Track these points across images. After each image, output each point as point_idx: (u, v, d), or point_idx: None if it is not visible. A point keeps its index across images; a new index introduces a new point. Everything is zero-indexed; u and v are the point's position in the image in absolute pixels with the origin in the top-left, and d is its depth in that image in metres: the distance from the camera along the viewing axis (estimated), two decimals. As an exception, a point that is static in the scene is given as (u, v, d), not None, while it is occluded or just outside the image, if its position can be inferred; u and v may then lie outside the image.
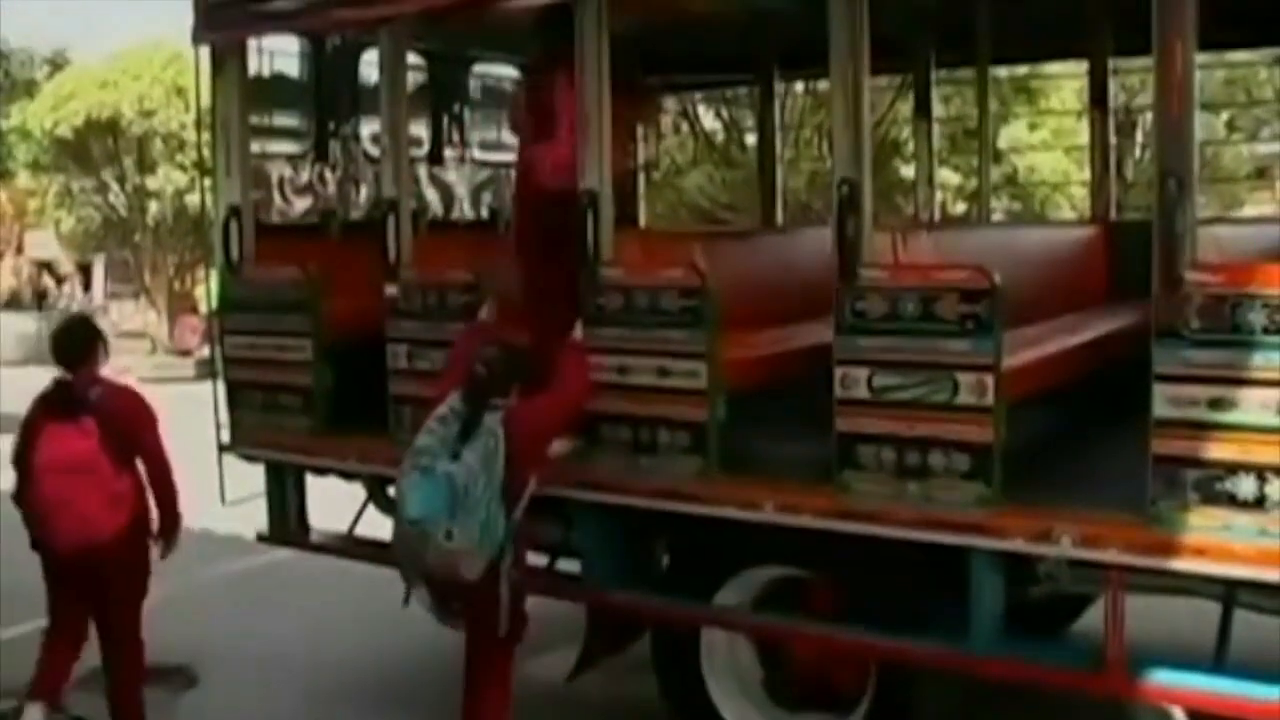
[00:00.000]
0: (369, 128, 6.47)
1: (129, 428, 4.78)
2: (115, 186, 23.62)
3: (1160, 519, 3.55)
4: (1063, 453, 4.37)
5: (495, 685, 4.48)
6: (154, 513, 4.99)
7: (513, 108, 6.00)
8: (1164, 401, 3.51)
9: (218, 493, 5.92)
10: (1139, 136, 18.42)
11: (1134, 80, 13.32)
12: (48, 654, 5.03)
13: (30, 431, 4.75)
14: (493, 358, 4.29)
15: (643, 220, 7.80)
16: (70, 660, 5.05)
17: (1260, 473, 3.41)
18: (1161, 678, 3.74)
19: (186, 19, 5.77)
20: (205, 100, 5.93)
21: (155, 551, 5.01)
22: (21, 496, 4.76)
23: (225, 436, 5.85)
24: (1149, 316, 3.58)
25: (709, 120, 18.69)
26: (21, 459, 4.74)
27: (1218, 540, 3.47)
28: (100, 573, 4.76)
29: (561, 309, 4.62)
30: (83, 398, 4.73)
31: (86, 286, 34.59)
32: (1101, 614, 3.85)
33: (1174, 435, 3.50)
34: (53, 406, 4.75)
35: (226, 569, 7.94)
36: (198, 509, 9.07)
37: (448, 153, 7.11)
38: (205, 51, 5.78)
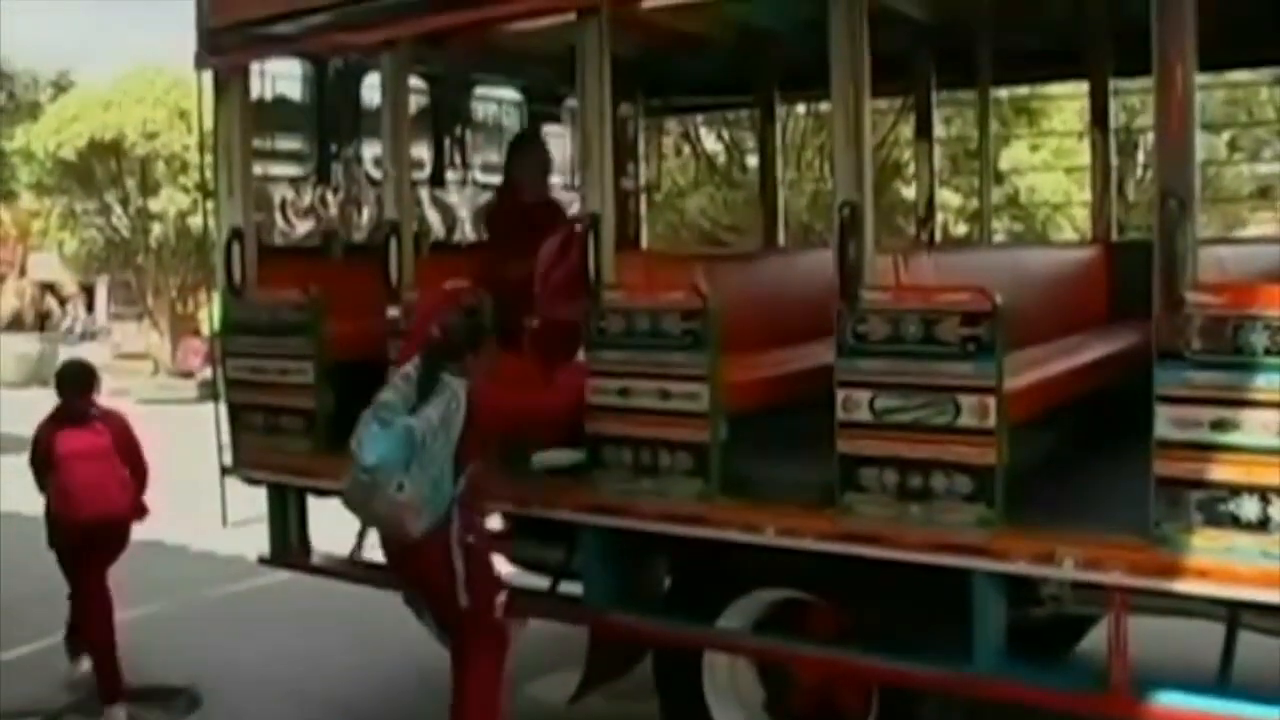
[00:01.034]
0: (371, 150, 6.48)
1: (129, 441, 6.17)
2: (118, 208, 23.68)
3: (1163, 541, 3.54)
4: (1065, 474, 4.37)
5: (477, 681, 4.47)
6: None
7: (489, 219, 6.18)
8: (1166, 423, 3.50)
9: (219, 514, 5.91)
10: (1140, 157, 18.45)
11: (1135, 100, 13.35)
12: (97, 656, 6.13)
13: (47, 437, 6.01)
14: (449, 322, 4.36)
15: (644, 242, 7.82)
16: (112, 647, 6.08)
17: (1264, 494, 3.41)
18: (1165, 699, 3.72)
19: (189, 43, 5.79)
20: (208, 123, 5.95)
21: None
22: (45, 483, 6.03)
23: (227, 458, 5.85)
24: (1151, 337, 3.58)
25: (710, 142, 18.74)
26: (44, 457, 5.99)
27: (1221, 562, 3.46)
28: (112, 538, 6.09)
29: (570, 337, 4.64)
30: (89, 413, 6.08)
31: (89, 308, 34.66)
32: (1105, 635, 3.83)
33: (1176, 457, 3.49)
34: (65, 419, 6.03)
35: (228, 590, 7.94)
36: (199, 530, 9.12)
37: (449, 175, 7.13)
38: (208, 75, 5.80)
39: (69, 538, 6.00)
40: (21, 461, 6.81)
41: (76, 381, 6.12)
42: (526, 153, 5.97)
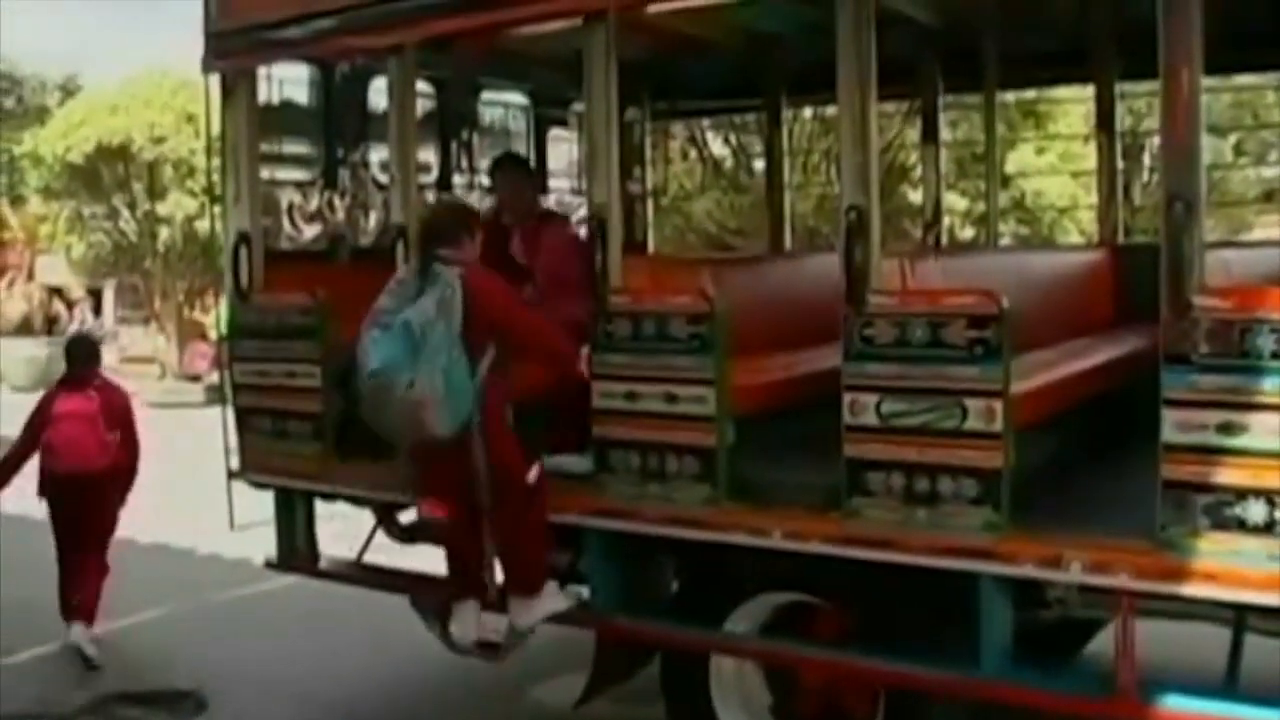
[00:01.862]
0: (378, 154, 6.49)
1: (119, 409, 7.07)
2: (126, 212, 23.73)
3: (1170, 544, 3.54)
4: (1072, 478, 4.36)
5: (527, 532, 4.53)
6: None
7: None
8: (1173, 426, 3.50)
9: (226, 518, 5.92)
10: (1146, 160, 18.41)
11: (1141, 104, 13.33)
12: (65, 580, 6.96)
13: (49, 398, 7.04)
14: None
15: (651, 246, 7.82)
16: (91, 581, 6.96)
17: (1270, 497, 3.40)
18: (1172, 703, 3.72)
19: (197, 47, 5.81)
20: (215, 127, 5.96)
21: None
22: (24, 439, 6.95)
23: (234, 462, 5.85)
24: (1157, 341, 3.58)
25: (717, 146, 18.74)
26: (41, 417, 6.93)
27: (1227, 565, 3.46)
28: (86, 492, 6.83)
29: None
30: (88, 382, 7.04)
31: (97, 312, 34.67)
32: (1112, 639, 3.83)
33: (1183, 460, 3.49)
34: (66, 384, 7.05)
35: (235, 594, 7.95)
36: (206, 534, 9.14)
37: (456, 179, 7.13)
38: (215, 79, 5.81)
39: (49, 488, 6.90)
40: (29, 465, 6.87)
41: (80, 353, 7.24)
42: (504, 172, 5.91)
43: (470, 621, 4.81)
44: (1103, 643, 4.14)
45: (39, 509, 7.08)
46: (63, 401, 6.92)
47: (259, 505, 5.92)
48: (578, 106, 7.06)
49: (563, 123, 7.53)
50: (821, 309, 4.29)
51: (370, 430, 5.17)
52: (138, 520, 9.54)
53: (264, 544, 6.00)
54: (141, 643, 7.15)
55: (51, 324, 33.14)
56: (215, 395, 7.91)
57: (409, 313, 4.21)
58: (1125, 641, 3.75)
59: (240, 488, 5.87)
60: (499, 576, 4.87)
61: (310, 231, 6.42)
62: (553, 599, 4.75)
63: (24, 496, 7.18)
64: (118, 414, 7.01)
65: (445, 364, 4.18)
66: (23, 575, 7.61)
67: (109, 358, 24.80)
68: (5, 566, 7.87)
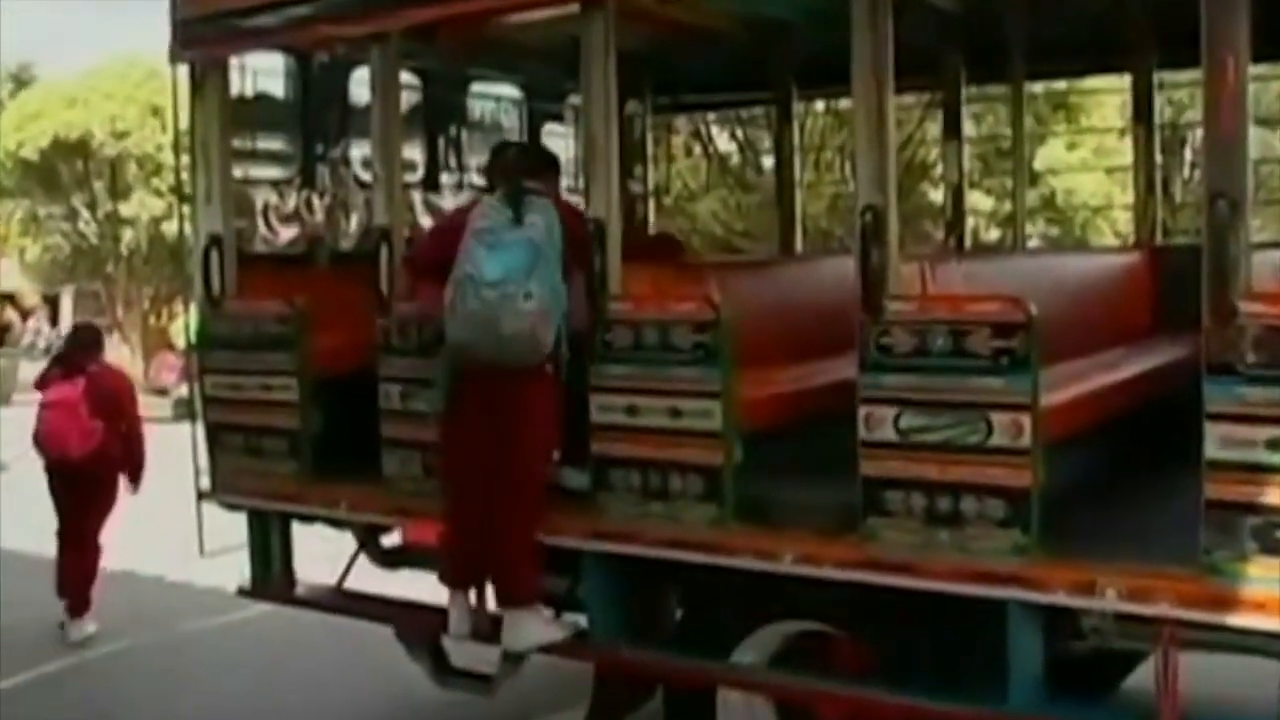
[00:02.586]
0: (360, 151, 6.51)
1: (113, 396, 7.70)
2: (85, 213, 23.80)
3: (1215, 570, 3.53)
4: (1107, 498, 4.37)
5: (533, 505, 4.61)
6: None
7: None
8: (1217, 442, 3.50)
9: (196, 542, 5.93)
10: (1187, 155, 18.46)
11: (1182, 94, 13.35)
12: (59, 558, 7.83)
13: (44, 381, 7.88)
14: (506, 153, 4.89)
15: (652, 248, 7.84)
16: (71, 564, 7.77)
17: (1323, 519, 3.41)
18: (1217, 742, 3.73)
19: (163, 34, 5.81)
20: (184, 121, 5.97)
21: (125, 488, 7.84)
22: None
23: (204, 482, 5.86)
24: (1199, 350, 3.59)
25: (723, 142, 18.79)
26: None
27: (1278, 593, 3.46)
28: (71, 479, 7.63)
29: None
30: (82, 367, 7.71)
31: (53, 321, 34.69)
32: (1152, 672, 3.83)
33: (1228, 479, 3.49)
34: (61, 366, 7.85)
35: (205, 625, 7.95)
36: (174, 560, 9.13)
37: (444, 178, 7.16)
38: (184, 69, 5.83)
39: (48, 477, 7.75)
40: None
41: (77, 339, 8.10)
42: (495, 159, 5.84)
43: (464, 612, 4.83)
44: (1143, 677, 4.14)
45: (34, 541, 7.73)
46: (51, 389, 7.74)
47: (232, 528, 5.93)
48: (574, 100, 7.09)
49: (558, 117, 7.56)
50: (835, 316, 4.30)
51: (349, 447, 5.22)
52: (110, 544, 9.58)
53: (237, 570, 6.01)
54: (104, 679, 7.16)
55: (3, 334, 33.15)
56: (184, 410, 7.92)
57: (529, 229, 4.45)
58: (1167, 676, 3.75)
59: (211, 510, 5.88)
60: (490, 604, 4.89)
61: (287, 234, 6.43)
62: (547, 627, 4.76)
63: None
64: (106, 401, 7.57)
65: (555, 283, 4.45)
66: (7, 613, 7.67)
67: (68, 370, 24.83)
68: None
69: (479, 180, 7.20)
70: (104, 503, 7.78)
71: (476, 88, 7.35)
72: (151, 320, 24.62)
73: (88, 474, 7.59)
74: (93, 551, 7.82)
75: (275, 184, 6.49)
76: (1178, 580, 3.60)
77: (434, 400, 4.86)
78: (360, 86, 6.19)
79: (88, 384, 7.59)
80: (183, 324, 6.17)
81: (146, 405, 22.14)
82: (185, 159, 6.00)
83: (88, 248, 24.23)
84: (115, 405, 7.64)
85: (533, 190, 4.64)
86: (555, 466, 4.75)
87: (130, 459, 7.72)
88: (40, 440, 7.60)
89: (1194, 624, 3.64)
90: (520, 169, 4.83)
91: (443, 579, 4.92)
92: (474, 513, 4.73)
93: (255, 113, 6.39)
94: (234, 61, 5.92)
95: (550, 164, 5.03)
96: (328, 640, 6.80)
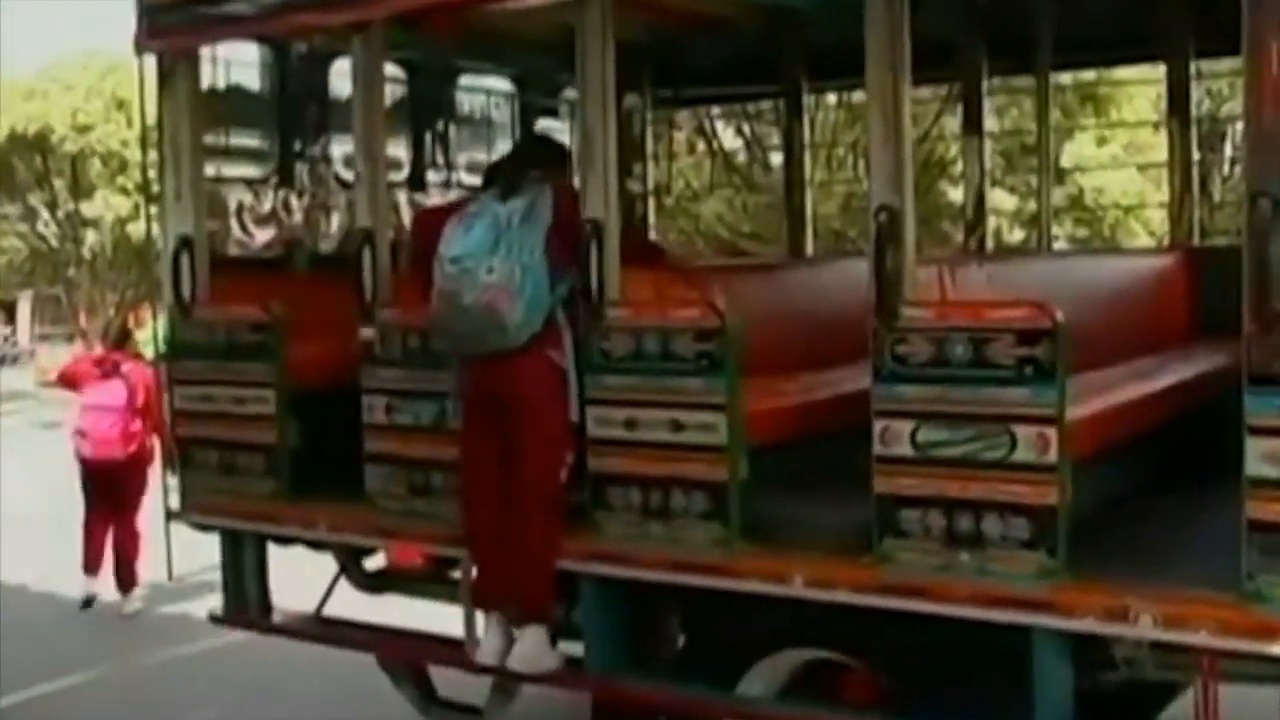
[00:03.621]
0: (341, 148, 6.53)
1: (147, 394, 8.73)
2: (45, 213, 23.83)
3: (1258, 596, 3.53)
4: (1140, 517, 4.38)
5: (542, 513, 4.64)
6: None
7: None
8: (1260, 458, 3.50)
9: (163, 566, 5.94)
10: (1227, 150, 18.49)
11: (1221, 85, 13.38)
12: (88, 539, 9.33)
13: (79, 376, 9.57)
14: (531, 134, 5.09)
15: (652, 250, 7.86)
16: (103, 542, 9.32)
17: (1375, 541, 3.41)
18: (1259, 779, 3.74)
19: (128, 23, 5.83)
20: (151, 116, 5.99)
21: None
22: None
23: (173, 501, 5.87)
24: (1240, 359, 3.60)
25: (728, 138, 18.82)
26: (71, 387, 9.61)
27: (1326, 620, 3.47)
28: (114, 477, 9.24)
29: None
30: (117, 368, 9.36)
31: (10, 326, 34.70)
32: (1191, 705, 3.84)
33: (1272, 497, 3.49)
34: (99, 366, 9.53)
35: (173, 654, 7.96)
36: (139, 585, 9.11)
37: (431, 176, 7.18)
38: (151, 60, 5.84)
39: (83, 474, 9.40)
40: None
41: (117, 337, 10.02)
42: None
43: (499, 638, 4.81)
44: (1180, 711, 4.16)
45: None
46: (91, 389, 9.32)
47: (203, 550, 5.95)
48: (569, 93, 7.11)
49: (552, 112, 7.58)
50: (848, 323, 4.32)
51: (330, 463, 5.24)
52: (58, 571, 9.59)
53: (208, 595, 6.02)
54: (62, 714, 7.16)
55: (-44, 343, 33.16)
56: (151, 424, 7.98)
57: (499, 207, 4.66)
58: (1206, 709, 3.76)
59: (181, 530, 5.89)
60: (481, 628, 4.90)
61: (263, 236, 6.45)
62: (545, 655, 4.77)
63: None
64: (140, 397, 9.05)
65: (527, 261, 4.56)
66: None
67: (24, 381, 24.77)
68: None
69: (467, 179, 7.23)
70: (139, 490, 9.34)
71: (465, 80, 7.37)
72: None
73: (127, 470, 9.22)
74: (134, 536, 9.33)
75: (250, 183, 6.51)
76: (1218, 606, 3.59)
77: (423, 413, 4.89)
78: (341, 79, 6.21)
79: (126, 386, 9.20)
80: (151, 332, 6.16)
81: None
82: (153, 155, 6.02)
83: (47, 250, 24.28)
84: (148, 402, 8.78)
85: (537, 179, 4.76)
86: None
87: (146, 450, 9.12)
88: (87, 444, 9.18)
89: (1235, 654, 3.64)
90: (529, 161, 4.96)
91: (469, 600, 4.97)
92: (486, 524, 4.76)
93: (228, 107, 6.41)
94: (205, 52, 5.95)
95: (562, 156, 5.12)
96: (306, 671, 6.81)
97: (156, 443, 8.30)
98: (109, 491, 9.30)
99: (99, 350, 10.21)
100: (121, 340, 9.84)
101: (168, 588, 6.12)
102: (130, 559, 9.33)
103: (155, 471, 8.19)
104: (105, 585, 9.23)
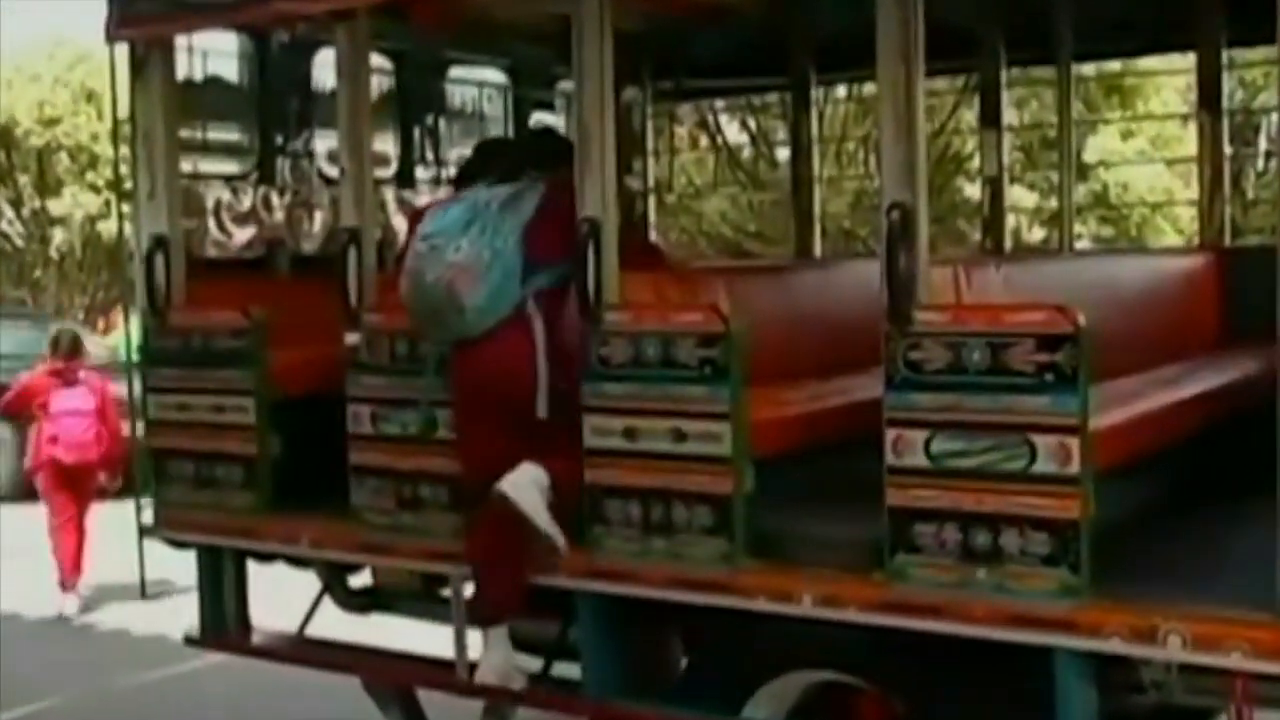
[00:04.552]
0: (325, 143, 6.55)
1: (101, 401, 10.17)
2: (9, 211, 23.78)
3: (1294, 614, 3.56)
4: (1168, 532, 4.39)
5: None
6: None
7: None
8: (1294, 468, 3.52)
9: (136, 583, 5.95)
10: (1261, 144, 18.50)
11: (1255, 75, 13.38)
12: (61, 542, 10.12)
13: (39, 388, 10.30)
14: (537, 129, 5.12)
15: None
16: (75, 544, 10.12)
17: None
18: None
19: (98, 10, 5.84)
20: (123, 108, 6.00)
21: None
22: (11, 414, 11.25)
23: (147, 515, 5.88)
24: (1274, 364, 3.61)
25: (733, 132, 18.84)
26: (26, 404, 10.48)
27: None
28: (83, 478, 10.16)
29: None
30: (76, 377, 10.25)
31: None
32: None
33: None
34: (58, 377, 10.22)
35: (146, 678, 7.95)
36: (111, 604, 9.13)
37: (420, 173, 7.19)
38: (123, 50, 5.85)
39: (52, 477, 10.21)
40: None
41: (70, 347, 10.41)
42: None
43: (502, 653, 4.84)
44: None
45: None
46: (58, 398, 10.13)
47: (178, 567, 5.95)
48: (565, 85, 7.12)
49: (548, 105, 7.60)
50: (858, 328, 4.33)
51: (312, 475, 5.25)
52: (24, 590, 9.60)
53: (183, 615, 6.02)
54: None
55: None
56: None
57: (483, 191, 4.81)
58: (1240, 734, 3.77)
59: (154, 546, 5.89)
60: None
61: (242, 235, 6.46)
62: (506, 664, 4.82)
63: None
64: (100, 405, 10.20)
65: (499, 246, 4.66)
66: None
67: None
68: None
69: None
70: (91, 491, 10.31)
71: (456, 72, 7.39)
72: (87, 333, 24.61)
73: (90, 471, 10.18)
74: (82, 534, 10.23)
75: (228, 179, 6.52)
76: (1252, 626, 3.60)
77: (410, 423, 4.92)
78: (325, 70, 6.23)
79: (90, 392, 10.23)
80: (123, 337, 6.16)
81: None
82: (125, 150, 6.03)
83: (12, 250, 24.24)
84: (103, 409, 10.20)
85: (531, 176, 4.87)
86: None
87: (110, 453, 10.11)
88: (60, 448, 10.06)
89: (1271, 677, 3.65)
90: (531, 160, 5.04)
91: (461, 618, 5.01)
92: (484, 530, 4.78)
93: (205, 99, 6.43)
94: (180, 41, 5.96)
95: (554, 152, 5.11)
96: (288, 695, 6.81)
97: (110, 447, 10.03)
98: (79, 494, 10.20)
99: (49, 364, 10.51)
100: (74, 352, 10.45)
101: (141, 607, 6.10)
102: (79, 555, 10.21)
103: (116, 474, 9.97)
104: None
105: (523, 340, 4.68)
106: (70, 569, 10.10)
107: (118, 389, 10.76)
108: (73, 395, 10.19)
